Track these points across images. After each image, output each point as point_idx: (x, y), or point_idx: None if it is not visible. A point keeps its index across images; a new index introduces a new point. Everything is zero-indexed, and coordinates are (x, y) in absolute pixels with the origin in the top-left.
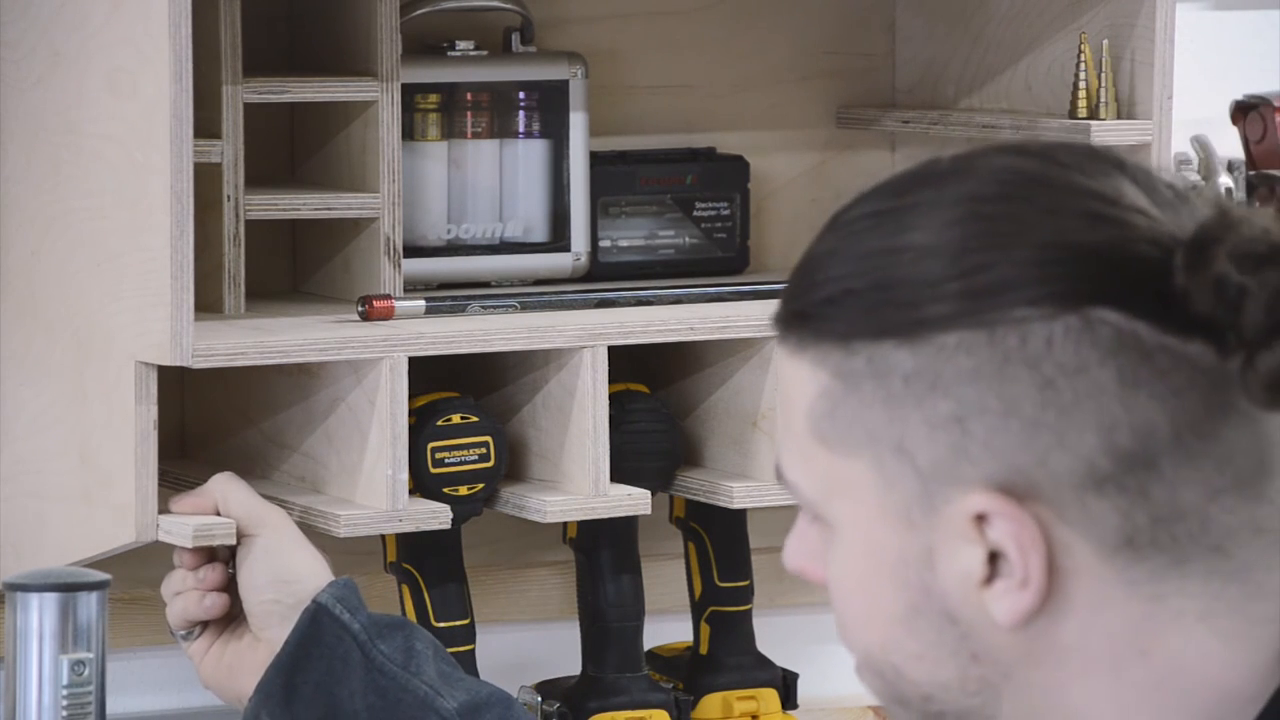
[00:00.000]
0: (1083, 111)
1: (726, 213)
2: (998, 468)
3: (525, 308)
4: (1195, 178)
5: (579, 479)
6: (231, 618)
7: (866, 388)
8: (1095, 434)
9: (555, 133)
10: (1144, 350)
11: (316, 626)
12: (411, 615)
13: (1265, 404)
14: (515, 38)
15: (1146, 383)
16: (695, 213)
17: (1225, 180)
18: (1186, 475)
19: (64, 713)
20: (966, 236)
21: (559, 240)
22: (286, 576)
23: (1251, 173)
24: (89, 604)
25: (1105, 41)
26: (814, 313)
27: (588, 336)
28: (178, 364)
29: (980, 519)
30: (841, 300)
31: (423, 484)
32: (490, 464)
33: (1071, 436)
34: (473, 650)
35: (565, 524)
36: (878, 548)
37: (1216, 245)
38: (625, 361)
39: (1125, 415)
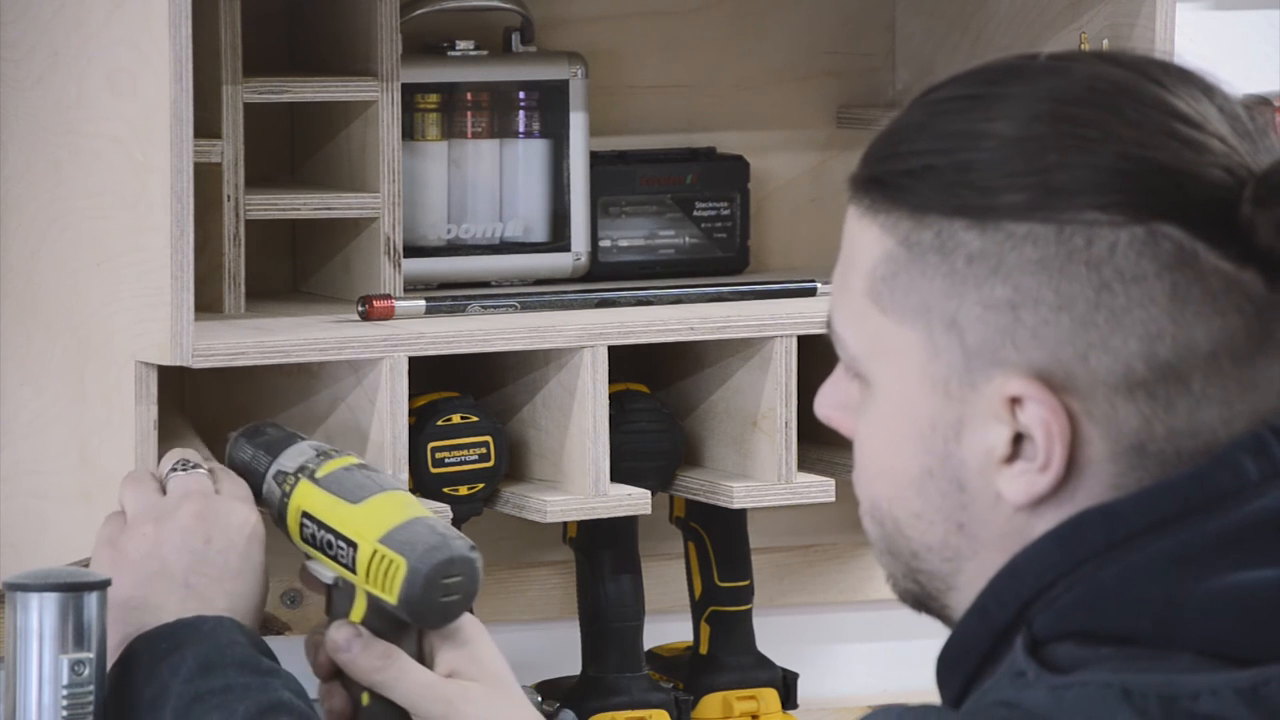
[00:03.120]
0: None
1: (726, 212)
2: (1041, 357)
3: (525, 308)
4: None
5: (579, 479)
6: None
7: (931, 260)
8: (1139, 341)
9: (555, 133)
10: (1199, 270)
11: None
12: None
13: None
14: (515, 38)
15: (1196, 301)
16: (695, 213)
17: None
18: (1212, 395)
19: (64, 713)
20: (1050, 134)
21: (559, 240)
22: None
23: None
24: (89, 604)
25: (1105, 41)
26: (892, 181)
27: (588, 336)
28: (178, 364)
29: (1015, 401)
30: (922, 174)
31: (423, 484)
32: (490, 464)
33: (1116, 340)
34: None
35: (565, 524)
36: (911, 410)
37: None
38: (625, 361)
39: (1171, 328)
